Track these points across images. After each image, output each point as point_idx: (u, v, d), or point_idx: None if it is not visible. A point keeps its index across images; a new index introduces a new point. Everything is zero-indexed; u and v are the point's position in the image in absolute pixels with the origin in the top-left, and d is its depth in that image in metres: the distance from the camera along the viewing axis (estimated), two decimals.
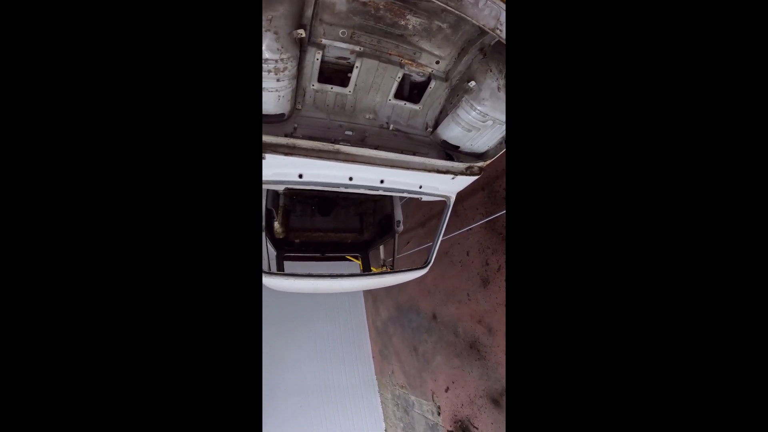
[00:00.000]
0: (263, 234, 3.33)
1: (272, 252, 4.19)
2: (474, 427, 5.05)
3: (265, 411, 8.18)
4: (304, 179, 2.26)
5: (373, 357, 9.26)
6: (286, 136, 2.09)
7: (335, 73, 2.39)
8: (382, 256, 4.64)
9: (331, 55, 2.29)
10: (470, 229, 4.57)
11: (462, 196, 4.66)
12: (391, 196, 3.93)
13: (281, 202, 4.07)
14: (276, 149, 2.06)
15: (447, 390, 5.78)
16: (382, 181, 2.44)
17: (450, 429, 5.71)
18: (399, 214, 3.85)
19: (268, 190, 3.51)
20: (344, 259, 4.76)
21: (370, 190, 2.49)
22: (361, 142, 2.37)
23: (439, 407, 6.14)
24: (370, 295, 9.03)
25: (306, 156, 2.11)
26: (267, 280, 2.83)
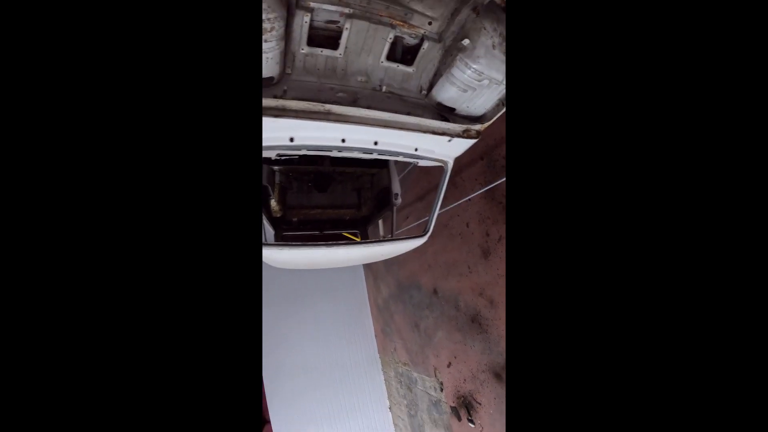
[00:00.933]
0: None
1: (270, 231, 4.15)
2: (477, 402, 5.10)
3: (270, 391, 8.29)
4: (295, 143, 2.21)
5: (375, 335, 9.34)
6: (275, 97, 2.03)
7: (325, 40, 2.32)
8: (381, 232, 4.61)
9: (320, 18, 2.21)
10: (470, 199, 4.53)
11: (460, 166, 4.61)
12: (388, 169, 3.87)
13: (277, 179, 4.02)
14: (265, 112, 2.01)
15: (449, 365, 5.81)
16: (376, 143, 2.38)
17: (453, 405, 5.75)
18: (397, 187, 3.79)
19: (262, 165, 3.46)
20: (342, 236, 4.73)
21: (364, 153, 2.43)
22: (353, 104, 2.31)
23: (441, 383, 6.19)
24: (371, 273, 9.08)
25: (296, 117, 2.06)
26: (266, 253, 2.80)
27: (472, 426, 5.21)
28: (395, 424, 8.76)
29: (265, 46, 1.91)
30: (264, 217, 3.70)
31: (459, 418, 5.56)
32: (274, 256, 2.90)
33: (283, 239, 4.24)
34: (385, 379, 9.09)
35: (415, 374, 7.23)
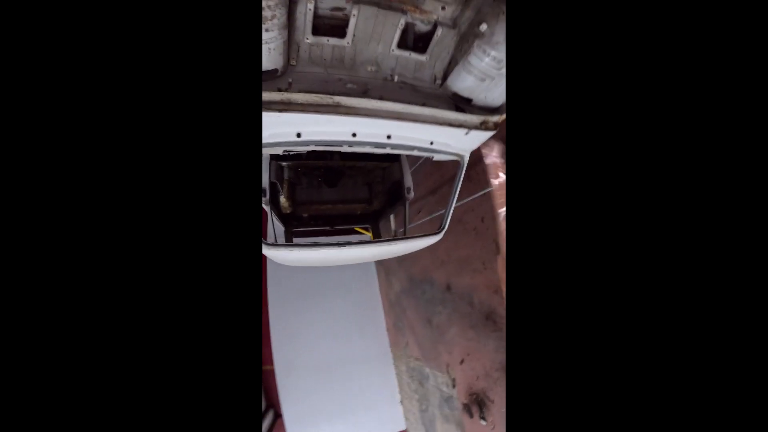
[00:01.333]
0: (269, 209, 3.21)
1: (280, 228, 4.08)
2: (489, 400, 5.01)
3: (282, 388, 8.34)
4: (302, 138, 2.08)
5: (387, 330, 9.29)
6: (279, 90, 1.91)
7: (332, 29, 2.19)
8: (393, 226, 4.50)
9: (325, 6, 2.08)
10: (485, 193, 4.38)
11: (475, 159, 4.46)
12: (399, 163, 3.75)
13: (286, 175, 3.92)
14: (269, 107, 1.88)
15: (462, 362, 5.72)
16: (389, 137, 2.24)
17: (465, 402, 5.68)
18: (409, 181, 3.66)
19: (270, 161, 3.37)
20: (354, 232, 4.65)
21: (376, 147, 2.29)
22: (364, 95, 2.18)
23: (453, 380, 6.11)
24: (383, 268, 9.01)
25: (303, 111, 1.93)
26: (276, 253, 2.71)
27: (484, 423, 5.12)
28: (406, 418, 8.75)
29: (266, 35, 1.79)
30: (274, 214, 3.61)
31: (471, 415, 5.48)
32: (284, 255, 2.81)
33: (294, 236, 4.16)
34: (396, 374, 9.07)
35: (428, 370, 7.17)
